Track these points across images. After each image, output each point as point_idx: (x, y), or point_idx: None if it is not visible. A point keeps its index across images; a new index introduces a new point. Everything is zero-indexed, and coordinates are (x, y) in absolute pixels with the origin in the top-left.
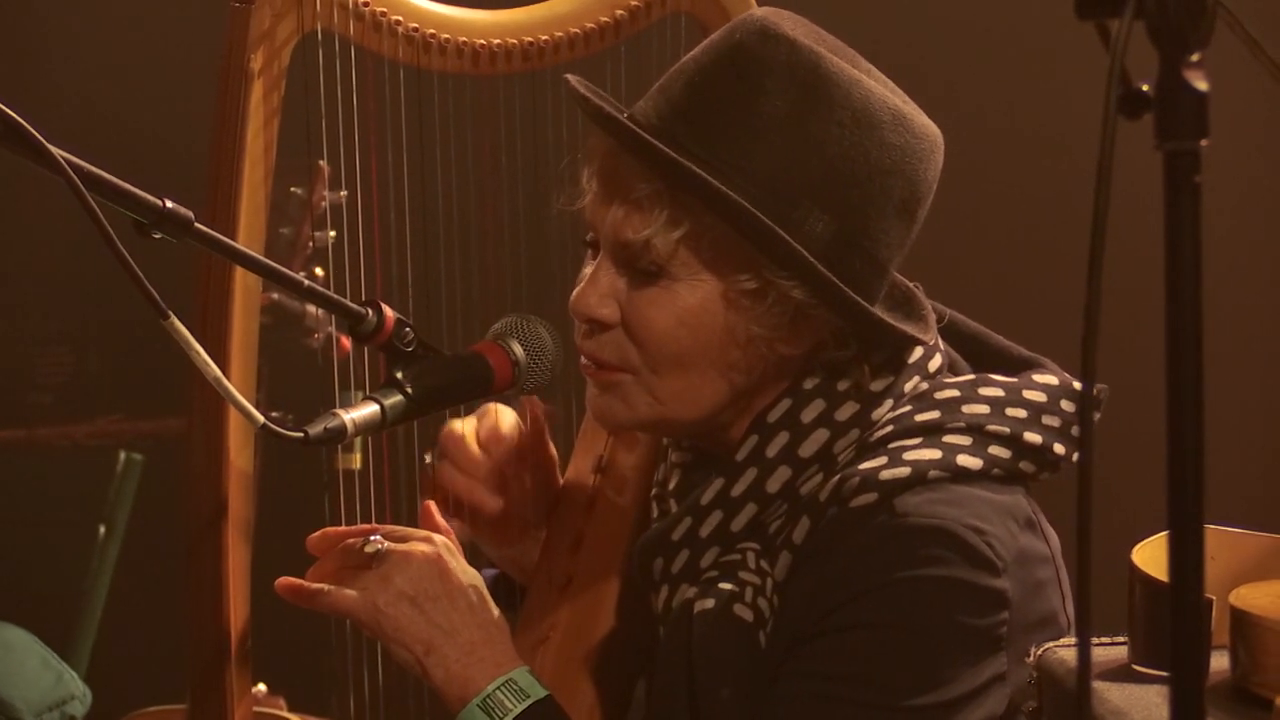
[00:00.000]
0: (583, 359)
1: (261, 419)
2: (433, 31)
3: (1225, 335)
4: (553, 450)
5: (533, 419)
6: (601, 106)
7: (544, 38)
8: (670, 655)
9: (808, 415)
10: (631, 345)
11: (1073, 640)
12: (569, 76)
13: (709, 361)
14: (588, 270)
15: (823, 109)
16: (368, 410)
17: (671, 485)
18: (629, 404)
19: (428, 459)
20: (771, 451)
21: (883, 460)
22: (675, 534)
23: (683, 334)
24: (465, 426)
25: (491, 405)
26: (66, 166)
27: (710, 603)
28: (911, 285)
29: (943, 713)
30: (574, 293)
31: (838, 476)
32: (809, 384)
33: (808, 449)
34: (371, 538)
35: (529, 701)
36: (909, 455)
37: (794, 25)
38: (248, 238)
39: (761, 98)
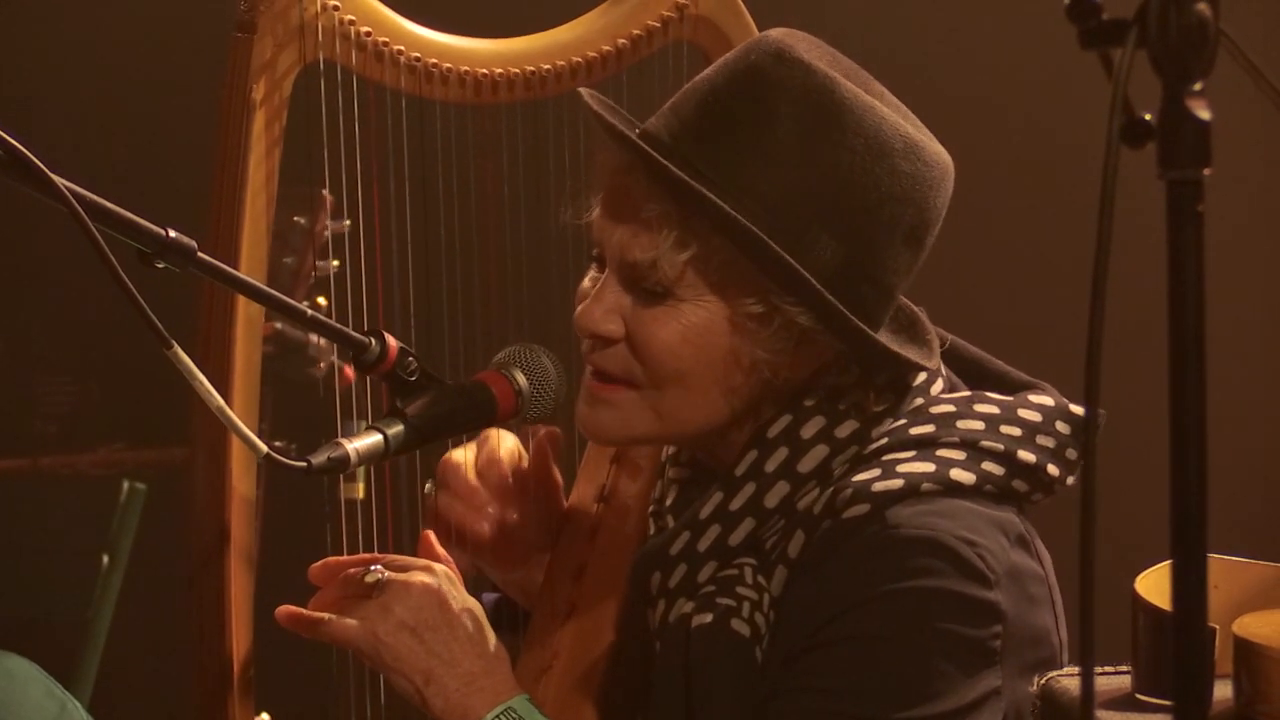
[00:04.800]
0: (588, 372)
1: (265, 448)
2: (435, 61)
3: (1229, 363)
4: (557, 475)
5: (537, 444)
6: (614, 124)
7: (546, 67)
8: (667, 670)
9: (808, 431)
10: (635, 361)
11: (1076, 669)
12: (583, 90)
13: (710, 381)
14: (587, 282)
15: (835, 134)
16: (371, 440)
17: (669, 501)
18: (625, 420)
19: (428, 488)
20: (770, 466)
21: (876, 472)
22: (673, 548)
23: (686, 351)
24: (463, 455)
25: (491, 431)
26: (70, 196)
27: (708, 618)
28: (916, 309)
29: None
30: (579, 308)
31: (831, 489)
32: (809, 401)
33: (806, 464)
34: (372, 567)
35: None
36: (902, 468)
37: (809, 48)
38: (250, 267)
39: (774, 121)
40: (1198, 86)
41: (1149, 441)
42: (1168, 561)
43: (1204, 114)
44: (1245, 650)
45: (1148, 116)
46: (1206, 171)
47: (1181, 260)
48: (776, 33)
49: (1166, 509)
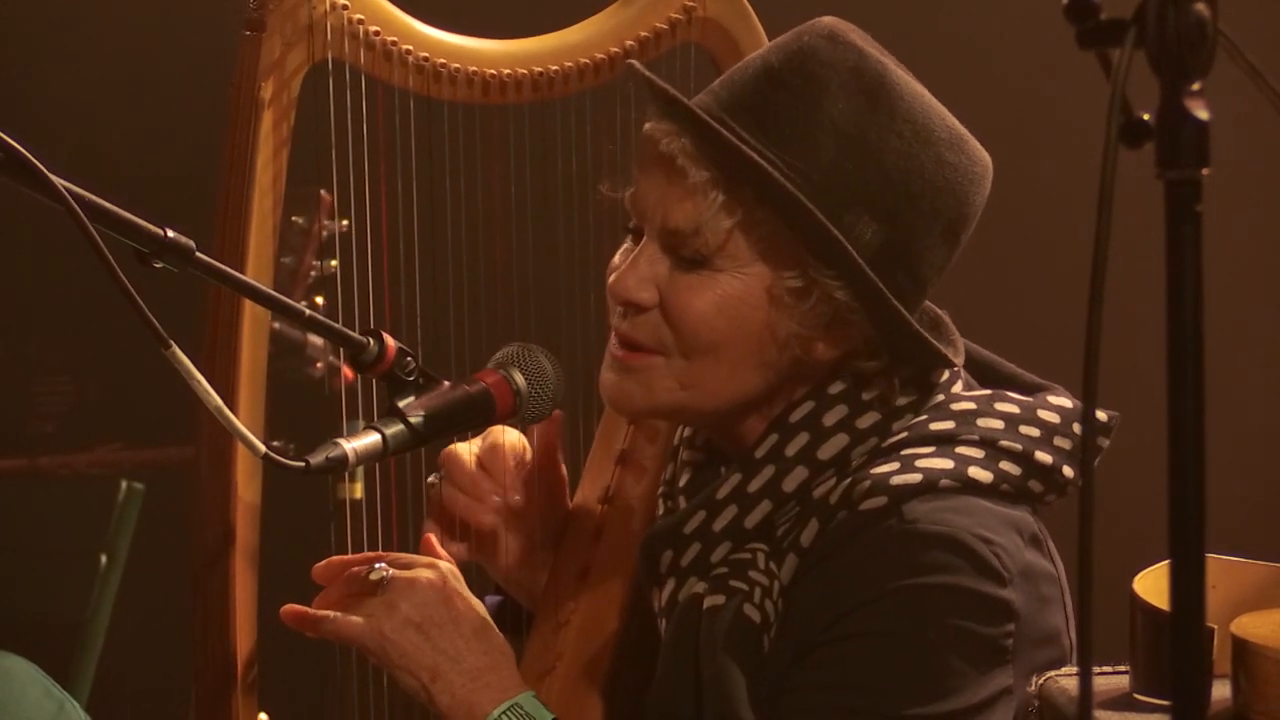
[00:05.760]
0: (612, 340)
1: (263, 448)
2: (443, 61)
3: (1228, 363)
4: (563, 471)
5: (541, 438)
6: (666, 88)
7: (554, 68)
8: (676, 650)
9: (830, 419)
10: (667, 328)
11: (1074, 669)
12: (632, 61)
13: (743, 354)
14: (619, 256)
15: (884, 118)
16: (369, 439)
17: (681, 483)
18: (650, 389)
19: (431, 480)
20: (790, 451)
21: (895, 466)
22: (687, 527)
23: (720, 322)
24: (467, 447)
25: (496, 426)
26: (68, 196)
27: (720, 599)
28: (940, 312)
29: None
30: (612, 276)
31: (849, 480)
32: (834, 388)
33: (826, 452)
34: (376, 565)
35: None
36: (921, 463)
37: (861, 36)
38: (256, 268)
39: (825, 100)
40: (1196, 86)
41: (1148, 441)
42: (1166, 561)
43: (1202, 114)
44: (1243, 650)
45: (1146, 116)
46: (1205, 171)
47: (1180, 260)
48: (829, 20)
49: (1165, 509)
